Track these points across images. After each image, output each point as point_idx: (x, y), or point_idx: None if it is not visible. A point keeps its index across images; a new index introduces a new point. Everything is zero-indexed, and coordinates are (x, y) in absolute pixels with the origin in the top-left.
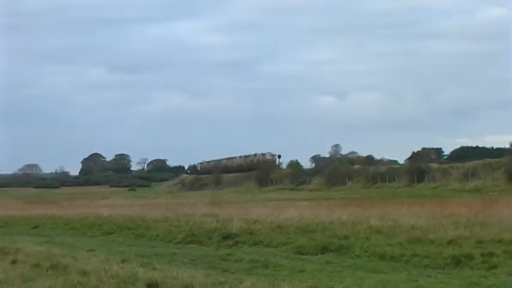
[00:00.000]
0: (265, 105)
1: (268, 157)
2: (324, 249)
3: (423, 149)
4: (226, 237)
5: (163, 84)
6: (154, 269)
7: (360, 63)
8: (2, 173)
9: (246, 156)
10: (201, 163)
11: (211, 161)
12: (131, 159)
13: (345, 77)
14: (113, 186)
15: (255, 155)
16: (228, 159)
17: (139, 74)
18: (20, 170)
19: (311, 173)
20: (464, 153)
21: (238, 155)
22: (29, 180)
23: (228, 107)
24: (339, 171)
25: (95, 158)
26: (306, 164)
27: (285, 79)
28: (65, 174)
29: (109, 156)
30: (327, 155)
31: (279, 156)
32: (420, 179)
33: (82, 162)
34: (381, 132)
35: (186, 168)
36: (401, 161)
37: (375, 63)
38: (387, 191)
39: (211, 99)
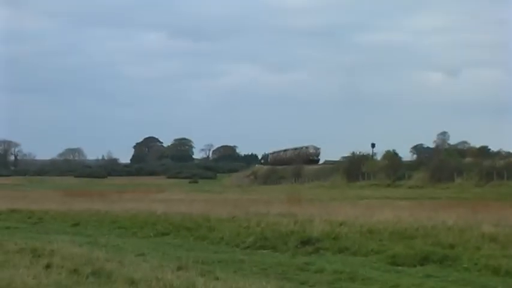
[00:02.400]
0: (358, 82)
1: (311, 150)
2: (424, 260)
3: None
4: (306, 242)
5: (236, 55)
6: (217, 278)
7: (476, 32)
8: (39, 158)
9: (295, 149)
10: (272, 153)
11: (274, 152)
12: (194, 145)
13: (457, 50)
14: (170, 178)
15: (301, 148)
16: (284, 151)
17: (206, 42)
18: (61, 155)
19: (412, 166)
20: None
21: (291, 146)
22: (71, 167)
23: (313, 84)
24: (446, 165)
25: (149, 142)
26: (406, 155)
27: (384, 51)
28: (113, 162)
29: (167, 141)
30: (432, 145)
31: (373, 145)
32: None
33: (134, 147)
34: (499, 118)
35: (259, 157)
36: None
37: (495, 33)
38: (505, 191)
39: (293, 74)
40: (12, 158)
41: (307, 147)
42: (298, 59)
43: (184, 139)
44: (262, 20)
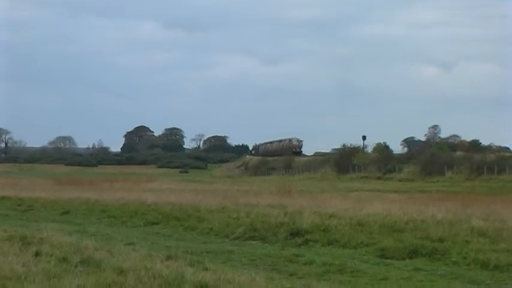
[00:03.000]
0: (351, 75)
1: (294, 142)
2: (413, 253)
3: None
4: (295, 233)
5: (229, 46)
6: (206, 269)
7: (471, 27)
8: (29, 146)
9: (280, 141)
10: (261, 144)
11: (264, 143)
12: (184, 134)
13: (451, 44)
14: (161, 167)
15: (285, 140)
16: (271, 142)
17: (200, 32)
18: (51, 143)
19: (402, 159)
20: None
21: (282, 137)
22: (61, 155)
23: (306, 76)
24: (436, 159)
25: (140, 131)
26: (397, 148)
27: (378, 44)
28: (104, 151)
29: (158, 131)
30: (423, 138)
31: (364, 138)
32: None
33: (125, 136)
34: (491, 112)
35: (250, 148)
36: None
37: (490, 27)
38: (495, 185)
39: (287, 66)
40: (2, 145)
41: (290, 140)
42: (292, 51)
43: (175, 129)
44: (257, 11)
